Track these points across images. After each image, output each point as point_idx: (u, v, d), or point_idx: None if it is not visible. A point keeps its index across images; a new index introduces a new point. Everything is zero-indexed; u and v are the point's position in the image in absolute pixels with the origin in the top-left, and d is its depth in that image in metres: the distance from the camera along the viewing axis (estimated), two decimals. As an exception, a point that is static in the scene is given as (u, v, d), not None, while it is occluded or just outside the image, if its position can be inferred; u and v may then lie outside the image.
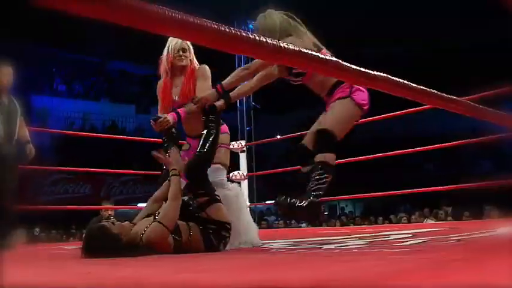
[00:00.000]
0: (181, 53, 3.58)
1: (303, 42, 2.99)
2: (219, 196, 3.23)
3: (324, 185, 2.85)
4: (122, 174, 15.85)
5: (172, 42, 3.60)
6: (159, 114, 3.59)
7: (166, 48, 3.64)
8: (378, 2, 15.65)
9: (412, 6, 15.50)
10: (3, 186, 4.35)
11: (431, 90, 1.55)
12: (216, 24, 0.94)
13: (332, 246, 3.04)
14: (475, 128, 8.02)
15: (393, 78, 1.38)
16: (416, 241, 2.96)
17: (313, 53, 1.14)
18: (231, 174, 7.23)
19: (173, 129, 3.51)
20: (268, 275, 1.55)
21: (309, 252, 2.67)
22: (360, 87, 3.04)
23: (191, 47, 3.67)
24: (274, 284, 1.25)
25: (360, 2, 15.46)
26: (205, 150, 3.25)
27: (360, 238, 3.65)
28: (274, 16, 3.21)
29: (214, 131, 3.33)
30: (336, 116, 3.01)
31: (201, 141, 3.30)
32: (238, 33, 0.98)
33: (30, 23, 15.52)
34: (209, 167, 3.34)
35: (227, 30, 0.95)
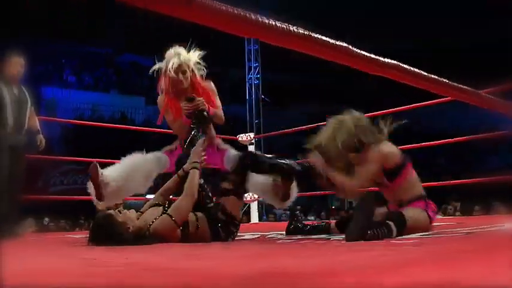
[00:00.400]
0: (180, 76, 3.46)
1: None
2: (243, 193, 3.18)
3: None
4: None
5: (170, 62, 3.46)
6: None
7: (164, 65, 3.51)
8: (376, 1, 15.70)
9: (410, 6, 15.51)
10: (12, 176, 4.37)
11: (444, 79, 1.52)
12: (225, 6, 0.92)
13: (340, 237, 3.03)
14: (483, 123, 7.97)
15: (404, 65, 1.35)
16: (424, 234, 2.94)
17: (323, 37, 1.12)
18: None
19: (205, 112, 3.37)
20: (275, 262, 1.54)
21: (317, 243, 2.66)
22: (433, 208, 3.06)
23: (191, 63, 3.52)
24: (280, 270, 1.24)
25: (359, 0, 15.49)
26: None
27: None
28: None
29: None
30: (414, 215, 2.93)
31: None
32: (247, 15, 0.96)
33: (42, 15, 15.61)
34: None
35: (235, 12, 0.94)
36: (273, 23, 0.99)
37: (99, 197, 3.35)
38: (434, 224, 3.24)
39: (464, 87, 1.64)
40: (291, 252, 2.04)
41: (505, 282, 0.96)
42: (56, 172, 15.84)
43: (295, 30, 1.05)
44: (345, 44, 1.17)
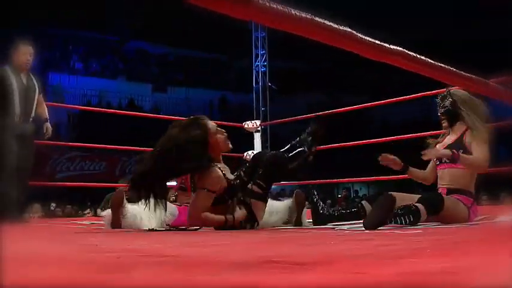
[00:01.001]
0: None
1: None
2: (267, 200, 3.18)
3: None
4: (137, 152, 15.92)
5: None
6: None
7: None
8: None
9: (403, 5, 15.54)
10: (19, 163, 4.39)
11: (451, 67, 1.48)
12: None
13: (345, 227, 3.02)
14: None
15: (409, 52, 1.32)
16: (429, 224, 2.93)
17: (326, 21, 1.09)
18: (245, 153, 7.20)
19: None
20: (277, 250, 1.53)
21: (321, 233, 2.66)
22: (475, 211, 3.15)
23: None
24: (282, 258, 1.22)
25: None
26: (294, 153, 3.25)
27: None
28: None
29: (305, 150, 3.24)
30: (453, 206, 3.04)
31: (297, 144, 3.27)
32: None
33: (49, 1, 15.57)
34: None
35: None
36: (274, 5, 0.97)
37: (117, 226, 3.32)
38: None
39: (472, 75, 1.61)
40: (295, 240, 2.04)
41: (504, 271, 0.95)
42: (63, 158, 15.90)
43: (297, 13, 1.02)
44: (349, 29, 1.15)
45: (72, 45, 20.61)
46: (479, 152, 3.13)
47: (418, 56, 1.36)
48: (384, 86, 16.15)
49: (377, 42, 1.24)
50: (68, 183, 11.39)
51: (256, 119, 8.11)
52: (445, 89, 3.45)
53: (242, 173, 3.14)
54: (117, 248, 1.66)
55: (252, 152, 7.61)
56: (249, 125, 7.74)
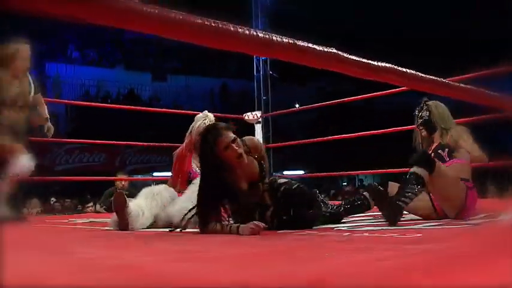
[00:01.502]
0: None
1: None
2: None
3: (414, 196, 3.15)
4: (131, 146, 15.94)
5: (197, 124, 3.92)
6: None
7: (191, 127, 3.98)
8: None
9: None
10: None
11: (442, 79, 1.48)
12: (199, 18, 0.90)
13: (344, 227, 3.04)
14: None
15: (400, 68, 1.32)
16: (430, 224, 2.94)
17: (308, 44, 1.09)
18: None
19: None
20: (264, 270, 1.54)
21: (319, 236, 2.66)
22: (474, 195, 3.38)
23: None
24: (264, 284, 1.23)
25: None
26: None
27: (374, 217, 3.64)
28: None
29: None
30: (451, 175, 3.30)
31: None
32: (224, 26, 0.94)
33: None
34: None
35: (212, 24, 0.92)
36: (254, 33, 0.97)
37: (125, 226, 3.39)
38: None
39: (467, 86, 1.60)
40: (288, 253, 2.04)
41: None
42: (61, 150, 15.94)
43: (278, 39, 1.02)
44: (334, 50, 1.14)
45: (68, 34, 20.56)
46: (469, 147, 3.48)
47: (409, 71, 1.35)
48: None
49: (363, 60, 1.24)
50: (66, 177, 11.43)
51: (257, 109, 8.04)
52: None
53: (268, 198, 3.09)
54: (110, 264, 1.68)
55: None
56: (249, 116, 7.70)
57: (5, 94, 4.40)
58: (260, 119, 7.77)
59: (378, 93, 6.23)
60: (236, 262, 1.70)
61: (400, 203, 3.06)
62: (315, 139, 8.25)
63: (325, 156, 16.87)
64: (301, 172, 22.82)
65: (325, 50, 1.10)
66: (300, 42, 1.05)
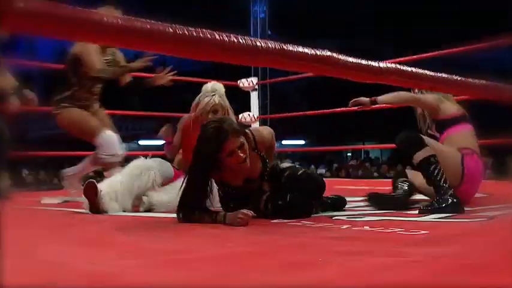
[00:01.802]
0: (210, 116, 3.63)
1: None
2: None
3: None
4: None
5: (204, 100, 3.73)
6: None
7: (197, 98, 3.80)
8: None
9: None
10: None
11: (452, 76, 1.48)
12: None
13: (344, 217, 3.04)
14: None
15: (404, 68, 1.31)
16: (436, 217, 2.93)
17: (297, 49, 1.08)
18: (240, 116, 7.13)
19: None
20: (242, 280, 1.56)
21: (313, 229, 2.66)
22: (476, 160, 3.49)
23: (225, 102, 3.76)
24: None
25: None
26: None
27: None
28: None
29: None
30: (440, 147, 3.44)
31: None
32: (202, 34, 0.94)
33: None
34: None
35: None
36: (240, 40, 0.96)
37: (95, 209, 3.41)
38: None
39: (476, 81, 1.60)
40: (278, 252, 2.06)
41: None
42: (35, 115, 15.77)
43: (263, 45, 1.01)
44: (328, 53, 1.12)
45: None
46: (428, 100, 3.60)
47: (414, 69, 1.35)
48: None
49: (363, 62, 1.23)
50: (44, 152, 11.36)
51: (253, 76, 7.93)
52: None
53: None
54: (81, 270, 1.69)
55: (248, 115, 7.56)
56: (244, 83, 7.59)
57: None
58: (256, 86, 7.71)
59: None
60: (214, 267, 1.72)
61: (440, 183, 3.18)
62: (317, 111, 8.24)
63: (327, 125, 16.82)
64: (301, 142, 22.89)
65: (318, 53, 1.08)
66: (290, 47, 1.04)
